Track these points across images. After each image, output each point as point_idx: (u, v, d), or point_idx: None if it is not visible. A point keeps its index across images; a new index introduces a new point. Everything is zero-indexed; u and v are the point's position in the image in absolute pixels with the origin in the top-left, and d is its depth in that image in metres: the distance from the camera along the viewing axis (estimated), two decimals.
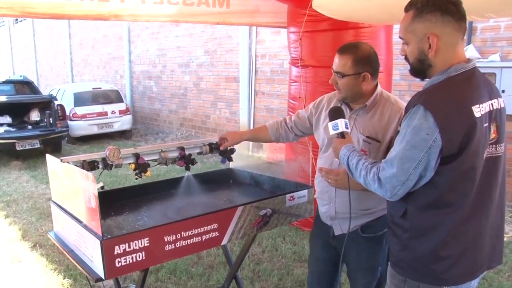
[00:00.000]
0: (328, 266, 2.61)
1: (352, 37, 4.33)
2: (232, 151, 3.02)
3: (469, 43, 6.00)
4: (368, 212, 2.37)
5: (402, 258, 1.84)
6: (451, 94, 1.66)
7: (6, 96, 10.56)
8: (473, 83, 1.71)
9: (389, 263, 1.98)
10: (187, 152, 2.76)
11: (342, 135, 2.10)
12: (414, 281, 1.81)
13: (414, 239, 1.79)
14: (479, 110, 1.65)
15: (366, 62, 2.25)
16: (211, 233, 2.42)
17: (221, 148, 2.84)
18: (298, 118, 2.67)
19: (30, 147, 9.42)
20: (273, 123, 2.76)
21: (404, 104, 2.32)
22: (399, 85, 6.56)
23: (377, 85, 2.35)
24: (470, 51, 5.79)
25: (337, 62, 2.28)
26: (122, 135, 12.37)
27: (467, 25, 1.75)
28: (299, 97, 4.63)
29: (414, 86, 6.34)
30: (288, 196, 2.70)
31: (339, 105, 2.37)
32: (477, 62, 2.02)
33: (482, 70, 1.82)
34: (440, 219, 1.72)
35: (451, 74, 1.69)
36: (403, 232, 1.82)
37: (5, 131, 9.52)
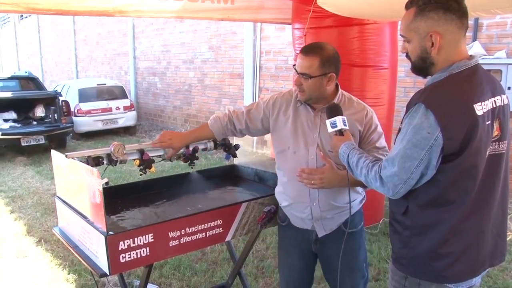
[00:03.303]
0: (306, 275, 2.58)
1: (357, 34, 4.32)
2: (237, 147, 3.01)
3: (474, 39, 5.96)
4: (353, 204, 2.34)
5: (403, 255, 1.84)
6: (453, 92, 1.65)
7: (11, 92, 10.64)
8: (475, 81, 1.69)
9: (390, 259, 1.98)
10: (191, 148, 2.76)
11: (340, 132, 2.09)
12: (414, 278, 1.81)
13: (415, 236, 1.79)
14: (481, 108, 1.64)
15: (332, 63, 2.22)
16: (215, 229, 2.42)
17: (167, 157, 2.64)
18: (249, 120, 2.50)
19: (35, 143, 9.47)
20: (215, 121, 2.56)
21: (364, 103, 2.37)
22: (404, 81, 6.54)
23: (337, 85, 2.34)
24: (475, 48, 5.76)
25: (302, 63, 2.22)
26: (126, 131, 12.40)
27: (469, 22, 1.73)
28: None
29: (419, 83, 6.32)
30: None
31: (302, 104, 2.35)
32: (483, 58, 2.01)
33: (488, 67, 1.81)
34: (441, 217, 1.72)
35: (453, 72, 1.68)
36: (404, 229, 1.82)
37: (10, 127, 9.56)
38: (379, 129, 2.33)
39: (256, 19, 5.52)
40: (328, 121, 2.12)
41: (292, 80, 5.06)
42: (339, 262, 2.26)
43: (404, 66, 5.78)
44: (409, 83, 6.63)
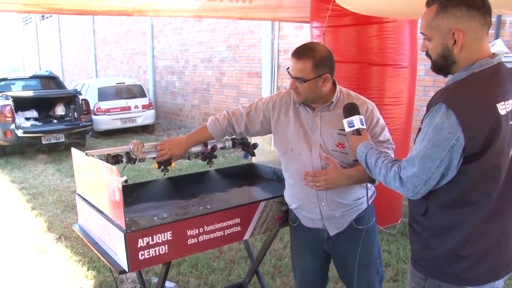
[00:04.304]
0: (319, 274, 2.57)
1: (376, 32, 4.29)
2: (255, 146, 3.01)
3: (497, 37, 5.86)
4: (358, 202, 2.32)
5: (423, 257, 1.81)
6: (475, 92, 1.62)
7: (32, 91, 10.82)
8: (498, 79, 1.65)
9: (409, 260, 1.96)
10: (209, 147, 2.76)
11: (358, 131, 2.07)
12: (434, 279, 1.79)
13: (435, 237, 1.76)
14: (504, 108, 1.60)
15: (325, 64, 2.18)
16: (234, 227, 2.43)
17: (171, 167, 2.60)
18: (248, 122, 2.48)
19: (55, 141, 9.60)
20: (215, 125, 2.54)
21: (363, 98, 2.33)
22: (424, 80, 6.46)
23: (335, 83, 2.31)
24: (498, 46, 5.64)
25: (296, 67, 2.18)
26: (145, 129, 12.49)
27: (492, 19, 1.70)
28: None
29: (438, 82, 6.24)
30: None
31: (300, 105, 2.33)
32: (506, 57, 1.96)
33: (510, 65, 1.77)
34: (462, 218, 1.69)
35: (475, 70, 1.64)
36: (423, 230, 1.79)
37: (31, 125, 9.71)
38: (381, 122, 2.29)
39: (274, 18, 5.50)
40: (345, 121, 2.10)
41: None
42: (355, 259, 2.24)
43: (423, 65, 5.72)
44: (428, 82, 6.55)
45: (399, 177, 1.73)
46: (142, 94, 12.49)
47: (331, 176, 2.17)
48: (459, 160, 1.60)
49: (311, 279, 2.59)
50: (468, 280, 1.73)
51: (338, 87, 2.32)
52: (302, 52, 2.18)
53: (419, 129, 1.75)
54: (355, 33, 4.35)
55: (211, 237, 2.35)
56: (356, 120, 2.06)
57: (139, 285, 3.46)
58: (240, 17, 4.71)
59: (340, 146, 2.22)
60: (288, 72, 2.23)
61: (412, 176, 1.68)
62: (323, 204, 2.30)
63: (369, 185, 2.33)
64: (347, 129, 2.09)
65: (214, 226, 2.35)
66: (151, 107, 12.42)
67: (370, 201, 2.39)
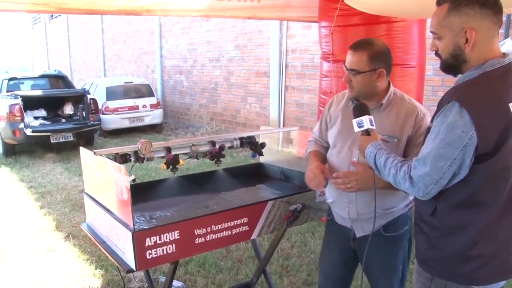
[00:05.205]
0: (345, 271, 2.57)
1: (385, 32, 4.26)
2: (263, 145, 3.01)
3: (506, 36, 5.81)
4: (390, 211, 2.30)
5: (431, 257, 1.81)
6: (487, 91, 1.61)
7: (41, 90, 10.87)
8: (509, 79, 1.65)
9: (415, 261, 1.94)
10: (217, 146, 2.76)
11: (367, 132, 2.05)
12: (441, 279, 1.78)
13: (443, 237, 1.75)
14: None
15: (381, 58, 2.17)
16: (241, 227, 2.42)
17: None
18: (321, 136, 2.55)
19: (63, 140, 9.64)
20: (316, 147, 2.55)
21: (417, 103, 2.27)
22: (432, 80, 6.43)
23: (389, 83, 2.28)
24: (507, 45, 5.61)
25: (351, 59, 2.19)
26: (152, 129, 12.53)
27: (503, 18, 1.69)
28: (330, 92, 4.59)
29: (447, 82, 6.20)
30: (318, 191, 2.68)
31: (351, 103, 2.32)
32: None
33: None
34: (471, 218, 1.69)
35: (487, 70, 1.63)
36: (431, 230, 1.79)
37: (40, 124, 9.75)
38: None
39: (283, 18, 5.50)
40: (354, 121, 2.08)
41: (318, 78, 5.04)
42: (377, 263, 2.29)
43: (432, 65, 5.69)
44: (437, 82, 6.52)
45: (410, 176, 1.71)
46: (150, 94, 12.52)
47: (362, 176, 2.15)
48: (471, 159, 1.59)
49: (336, 274, 2.60)
50: (477, 280, 1.72)
51: (392, 88, 2.29)
52: (359, 45, 2.20)
53: (428, 128, 1.74)
54: (363, 33, 4.32)
55: (218, 236, 2.35)
56: (366, 120, 2.05)
57: (146, 284, 3.46)
58: (248, 16, 4.71)
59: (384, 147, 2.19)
60: (344, 66, 2.24)
61: (423, 176, 1.66)
62: (351, 206, 2.30)
63: (409, 194, 2.27)
64: (356, 129, 2.07)
65: (222, 226, 2.35)
66: (159, 107, 12.45)
67: (405, 210, 2.35)
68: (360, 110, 2.10)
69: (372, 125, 2.05)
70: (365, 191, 2.19)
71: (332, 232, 2.56)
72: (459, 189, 1.67)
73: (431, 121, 1.74)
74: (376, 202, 2.09)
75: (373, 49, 2.16)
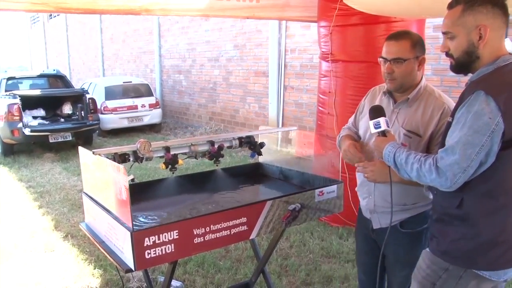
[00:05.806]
0: (371, 258, 2.58)
1: (384, 32, 4.26)
2: (262, 145, 3.01)
3: (505, 37, 5.82)
4: (406, 207, 2.33)
5: (459, 248, 1.83)
6: (508, 80, 1.70)
7: (40, 90, 10.86)
8: None
9: (428, 249, 1.97)
10: (216, 146, 2.76)
11: (383, 133, 2.09)
12: (460, 268, 1.82)
13: (474, 227, 1.79)
14: None
15: (421, 46, 2.24)
16: (240, 227, 2.42)
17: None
18: (354, 124, 2.63)
19: (62, 140, 9.63)
20: (349, 132, 2.60)
21: (448, 99, 2.29)
22: (431, 80, 6.42)
23: (422, 77, 2.32)
24: (506, 45, 5.62)
25: (394, 48, 2.22)
26: (151, 128, 12.52)
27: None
28: (329, 92, 4.59)
29: (446, 81, 6.20)
30: (317, 191, 2.68)
31: (385, 96, 2.38)
32: None
33: None
34: (499, 205, 1.75)
35: (500, 64, 1.74)
36: (460, 222, 1.82)
37: (38, 123, 9.74)
38: None
39: (282, 17, 5.51)
40: (371, 122, 2.13)
41: (317, 78, 5.04)
42: (393, 257, 2.39)
43: (431, 65, 5.69)
44: (436, 82, 6.50)
45: (436, 167, 1.76)
46: (149, 93, 12.51)
47: (378, 168, 2.23)
48: (498, 144, 1.66)
49: (361, 261, 2.73)
50: (500, 264, 1.79)
51: (422, 83, 2.31)
52: (399, 35, 2.26)
53: (448, 123, 1.80)
54: (362, 33, 4.33)
55: (217, 236, 2.34)
56: (383, 122, 2.10)
57: (145, 284, 3.46)
58: (247, 16, 4.72)
59: (403, 146, 2.20)
60: (383, 58, 2.25)
61: (452, 164, 1.71)
62: (370, 197, 2.40)
63: (430, 194, 2.28)
64: (373, 131, 2.13)
65: (221, 225, 2.34)
66: (158, 106, 12.44)
67: (425, 208, 2.34)
68: (376, 111, 2.15)
69: (388, 126, 2.11)
70: (380, 183, 2.28)
71: (359, 221, 2.67)
72: (485, 178, 1.73)
73: (451, 115, 1.80)
74: (392, 196, 2.15)
75: (414, 38, 2.23)
